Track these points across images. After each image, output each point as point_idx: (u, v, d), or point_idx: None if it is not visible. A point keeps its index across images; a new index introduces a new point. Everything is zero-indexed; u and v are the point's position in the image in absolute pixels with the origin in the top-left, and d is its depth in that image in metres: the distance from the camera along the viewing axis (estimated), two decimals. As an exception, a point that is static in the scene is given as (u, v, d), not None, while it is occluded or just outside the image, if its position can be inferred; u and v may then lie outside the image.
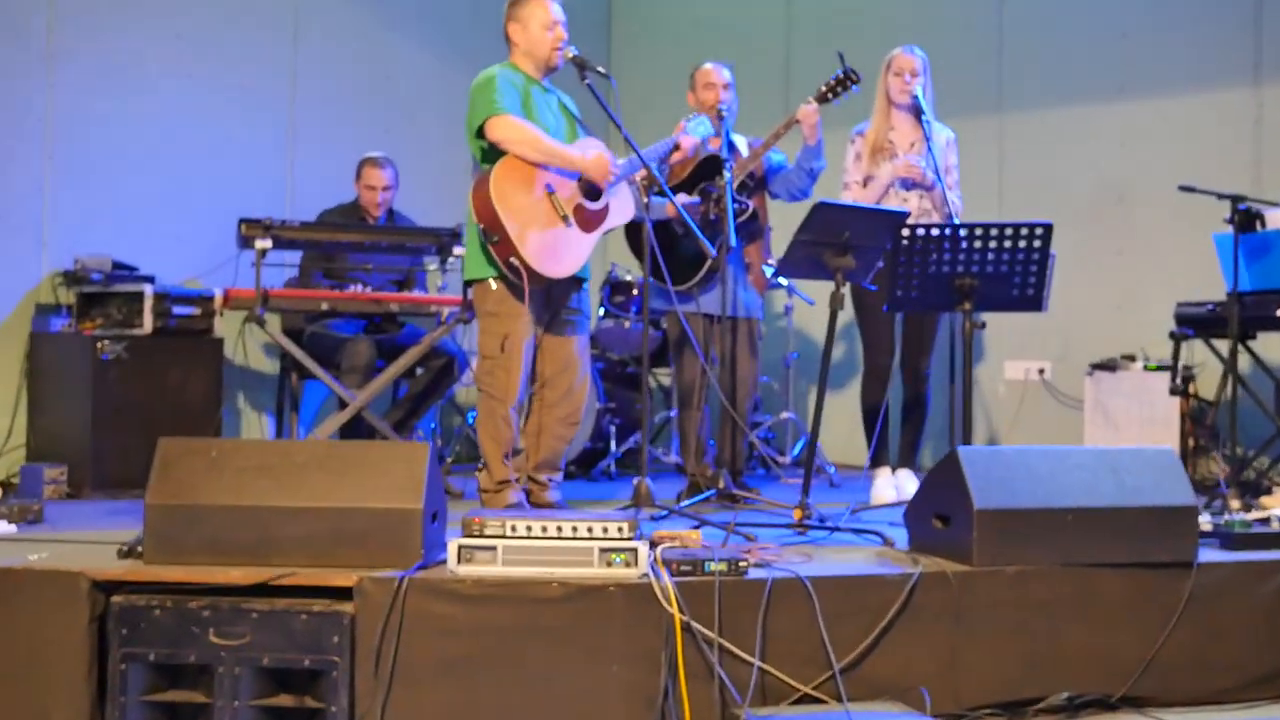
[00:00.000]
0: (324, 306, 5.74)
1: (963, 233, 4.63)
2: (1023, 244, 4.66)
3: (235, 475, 3.63)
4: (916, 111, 5.73)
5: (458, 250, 5.66)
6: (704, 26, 8.51)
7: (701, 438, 5.75)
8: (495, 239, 4.57)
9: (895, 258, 4.68)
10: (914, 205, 5.65)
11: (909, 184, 5.66)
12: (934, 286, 4.73)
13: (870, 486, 5.80)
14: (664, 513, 4.71)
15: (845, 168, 5.78)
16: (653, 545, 3.60)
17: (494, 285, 4.75)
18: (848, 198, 5.71)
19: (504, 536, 3.52)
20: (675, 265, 5.46)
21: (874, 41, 5.37)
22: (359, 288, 5.94)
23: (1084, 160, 7.31)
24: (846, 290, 4.64)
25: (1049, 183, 7.36)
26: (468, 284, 4.90)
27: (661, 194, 4.77)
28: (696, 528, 4.40)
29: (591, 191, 4.79)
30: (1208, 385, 6.81)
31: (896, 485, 5.76)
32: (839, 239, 4.58)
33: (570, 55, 4.85)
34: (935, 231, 4.64)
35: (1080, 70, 7.32)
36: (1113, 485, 3.98)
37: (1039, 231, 4.65)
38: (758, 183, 5.73)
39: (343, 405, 5.85)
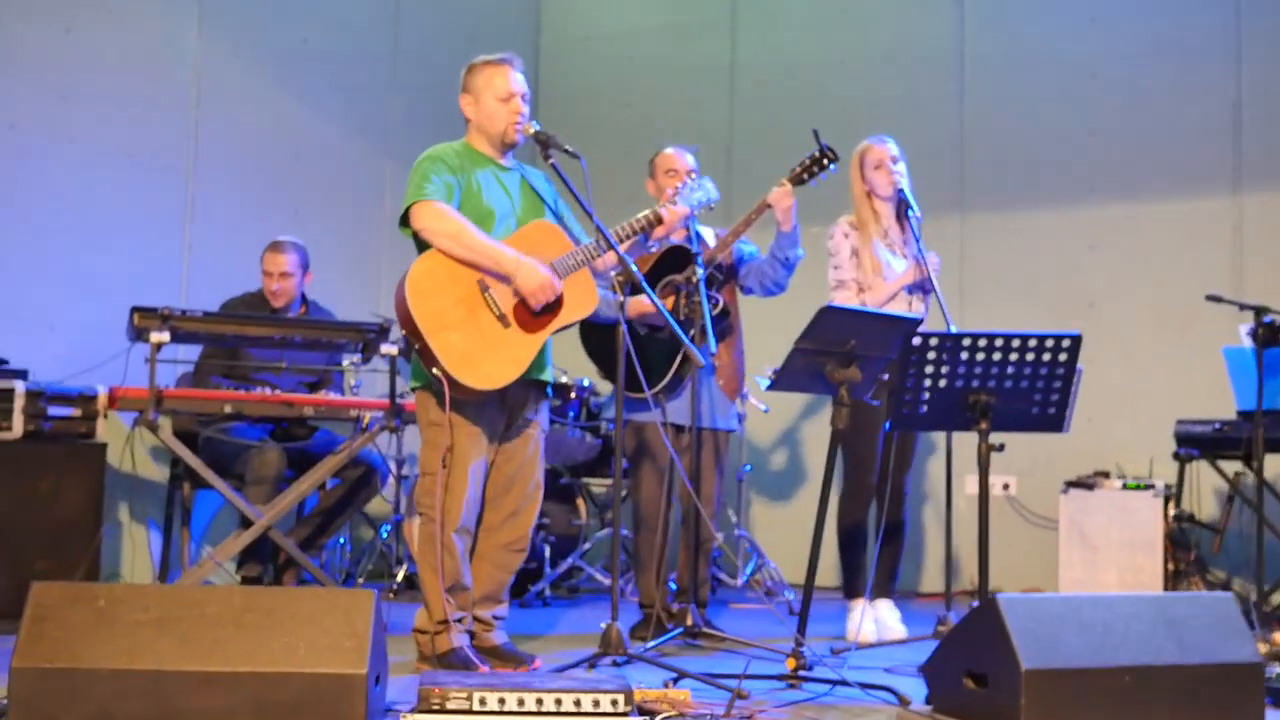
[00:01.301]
0: (227, 409, 4.97)
1: (982, 343, 4.07)
2: (1047, 356, 4.11)
3: (129, 631, 2.96)
4: (899, 206, 5.22)
5: (385, 348, 4.96)
6: (638, 102, 7.95)
7: (664, 564, 5.10)
8: (416, 348, 3.92)
9: (903, 370, 4.10)
10: (919, 311, 5.11)
11: (915, 287, 5.13)
12: (945, 403, 4.16)
13: (845, 619, 5.19)
14: (625, 659, 4.07)
15: (836, 264, 5.21)
16: (643, 713, 3.02)
17: (430, 393, 4.09)
18: (843, 299, 5.16)
19: (472, 712, 2.84)
20: (633, 370, 4.85)
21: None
22: (266, 388, 5.19)
23: (1051, 263, 6.88)
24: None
25: (1014, 286, 6.91)
26: (413, 390, 4.21)
27: (675, 290, 4.12)
28: (674, 680, 3.75)
29: None
30: (1195, 506, 6.36)
31: (876, 619, 5.16)
32: (843, 347, 3.98)
33: (531, 131, 4.22)
34: (950, 342, 4.06)
35: (1048, 168, 6.91)
36: (1171, 639, 3.52)
37: (1066, 344, 4.11)
38: (726, 275, 5.15)
39: (243, 520, 5.09)
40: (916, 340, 4.06)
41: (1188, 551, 6.29)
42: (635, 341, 4.88)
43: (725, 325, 5.07)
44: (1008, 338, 4.08)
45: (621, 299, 4.10)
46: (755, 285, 5.17)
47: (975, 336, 4.07)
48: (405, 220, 4.09)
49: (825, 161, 4.93)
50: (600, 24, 8.25)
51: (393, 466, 6.13)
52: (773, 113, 7.57)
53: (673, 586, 5.25)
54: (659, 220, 4.48)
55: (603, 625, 4.20)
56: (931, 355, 4.08)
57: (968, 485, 6.87)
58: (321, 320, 5.43)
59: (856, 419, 5.18)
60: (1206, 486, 6.29)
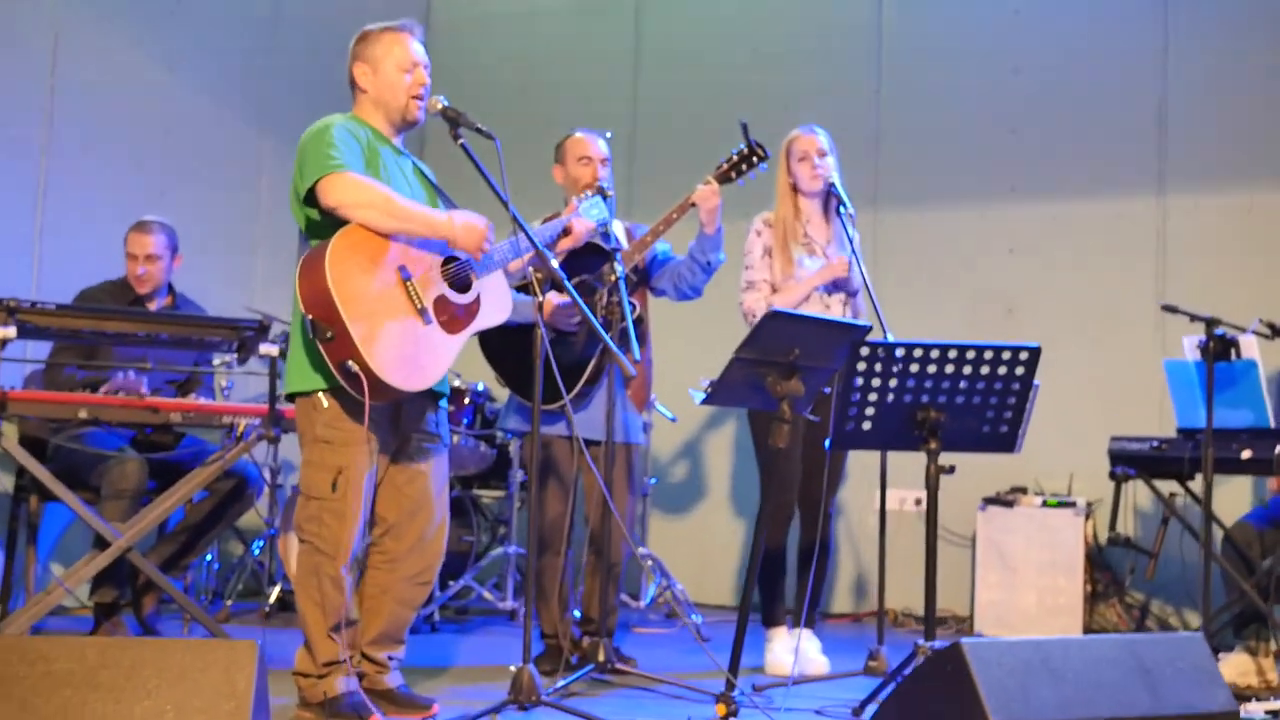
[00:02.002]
0: (83, 414, 4.39)
1: (934, 354, 3.71)
2: (1003, 370, 3.78)
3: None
4: (827, 200, 4.86)
5: (264, 348, 4.43)
6: (535, 86, 7.47)
7: (564, 590, 4.67)
8: (329, 334, 3.40)
9: (848, 382, 3.72)
10: (836, 314, 4.75)
11: (830, 287, 4.77)
12: (891, 420, 3.80)
13: (765, 649, 4.82)
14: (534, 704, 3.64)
15: (748, 264, 4.84)
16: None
17: (325, 402, 3.58)
18: (752, 301, 4.79)
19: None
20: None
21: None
22: (130, 374, 4.63)
23: (969, 265, 6.58)
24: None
25: (928, 290, 6.59)
26: (290, 398, 3.70)
27: (560, 289, 3.66)
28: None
29: (459, 280, 3.67)
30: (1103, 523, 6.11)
31: (796, 649, 4.78)
32: (786, 357, 3.59)
33: (438, 107, 3.75)
34: (902, 351, 3.69)
35: (966, 165, 6.61)
36: (1145, 688, 3.32)
37: (1024, 356, 3.78)
38: (640, 277, 4.74)
39: (98, 539, 4.53)
40: (864, 350, 3.68)
41: (1106, 572, 6.05)
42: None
43: (639, 331, 4.65)
44: (962, 349, 3.74)
45: (540, 299, 3.64)
46: (669, 288, 4.77)
47: (928, 347, 3.71)
48: (310, 198, 3.56)
49: (754, 159, 4.54)
50: (496, 2, 7.76)
51: (267, 476, 5.58)
52: (678, 99, 7.17)
53: (575, 614, 4.83)
54: (567, 232, 4.08)
55: (512, 668, 3.73)
56: (879, 367, 3.72)
57: (877, 500, 6.54)
58: (193, 316, 4.87)
59: (765, 432, 4.83)
60: (1129, 505, 6.05)
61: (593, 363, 4.53)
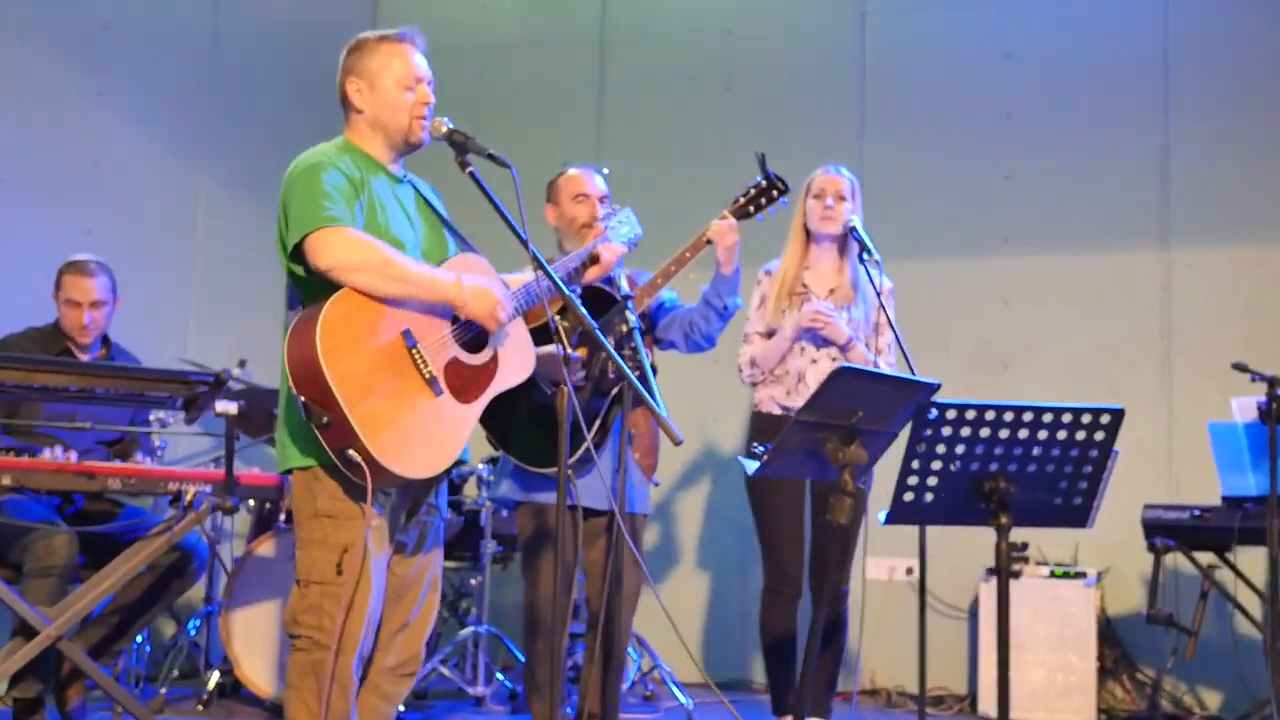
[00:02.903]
0: (5, 480, 3.79)
1: (1008, 416, 3.27)
2: (1081, 435, 3.34)
3: None
4: (842, 247, 4.46)
5: (221, 405, 3.87)
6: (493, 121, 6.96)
7: (560, 680, 4.13)
8: (325, 420, 2.88)
9: (911, 448, 3.26)
10: (825, 368, 4.33)
11: (821, 340, 4.36)
12: (955, 491, 3.34)
13: (774, 742, 4.35)
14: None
15: (747, 315, 4.44)
16: None
17: (321, 473, 3.05)
18: (747, 354, 4.39)
19: None
20: (539, 438, 3.94)
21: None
22: (57, 451, 4.02)
23: (963, 320, 6.19)
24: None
25: (921, 345, 6.16)
26: (286, 474, 3.15)
27: (593, 340, 3.15)
28: None
29: (472, 339, 3.17)
30: (1120, 595, 5.76)
31: (813, 742, 4.33)
32: (849, 420, 3.13)
33: (442, 130, 3.25)
34: (972, 414, 3.25)
35: (957, 216, 6.24)
36: None
37: (1105, 420, 3.34)
38: (646, 326, 4.27)
39: (20, 624, 3.93)
40: (931, 412, 3.23)
41: (1115, 648, 5.66)
42: (539, 403, 3.95)
43: (646, 389, 4.18)
44: (1038, 410, 3.29)
45: (567, 352, 3.13)
46: (679, 338, 4.29)
47: (1000, 409, 3.27)
48: (297, 254, 3.05)
49: (774, 192, 4.10)
50: (452, 37, 7.26)
51: (209, 544, 4.99)
52: (644, 133, 6.74)
53: (568, 711, 4.31)
54: (594, 260, 3.59)
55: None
56: (946, 431, 3.27)
57: (870, 568, 6.11)
58: (139, 369, 4.26)
59: (775, 495, 4.41)
60: (1137, 576, 5.69)
61: (598, 421, 4.04)
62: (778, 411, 4.43)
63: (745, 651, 6.23)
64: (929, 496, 3.35)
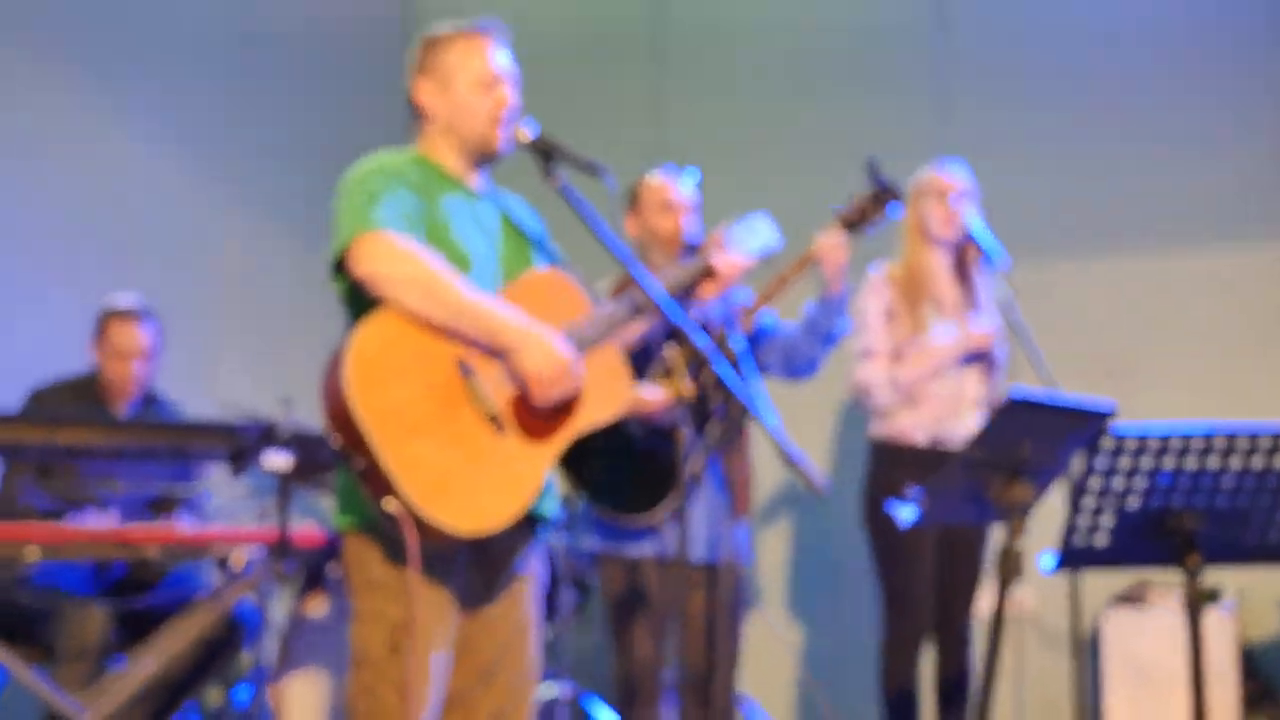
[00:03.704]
0: (34, 556, 3.35)
1: (1197, 443, 2.79)
2: (1280, 460, 2.86)
3: None
4: (960, 255, 4.00)
5: (270, 460, 3.43)
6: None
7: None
8: (359, 465, 2.43)
9: (1083, 482, 2.79)
10: (975, 391, 3.85)
11: (969, 358, 3.89)
12: (1134, 530, 2.87)
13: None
14: None
15: (863, 327, 3.96)
16: None
17: (381, 535, 2.60)
18: (868, 374, 3.94)
19: None
20: (626, 484, 3.57)
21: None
22: (95, 514, 3.59)
23: (1065, 327, 5.65)
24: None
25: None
26: (342, 532, 2.70)
27: (713, 376, 2.68)
28: None
29: None
30: (1258, 620, 5.24)
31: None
32: (1016, 455, 2.66)
33: (526, 137, 2.79)
34: (1156, 443, 2.77)
35: (1054, 213, 5.73)
36: None
37: (1312, 440, 2.86)
38: (741, 351, 3.80)
39: (50, 713, 3.50)
40: (1107, 442, 2.75)
41: (1255, 680, 5.15)
42: (626, 443, 3.50)
43: (740, 426, 3.73)
44: (1231, 436, 2.81)
45: (685, 392, 2.66)
46: (778, 365, 3.82)
47: (1188, 436, 2.79)
48: (340, 263, 2.61)
49: (886, 200, 3.62)
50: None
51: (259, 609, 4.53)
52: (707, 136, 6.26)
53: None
54: (709, 273, 3.13)
55: None
56: (1124, 462, 2.79)
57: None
58: (184, 422, 3.83)
59: (908, 541, 3.94)
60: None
61: (690, 463, 3.57)
62: (923, 442, 3.96)
63: (847, 703, 5.70)
64: (1102, 539, 2.88)
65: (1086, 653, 5.42)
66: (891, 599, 3.99)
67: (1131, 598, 5.11)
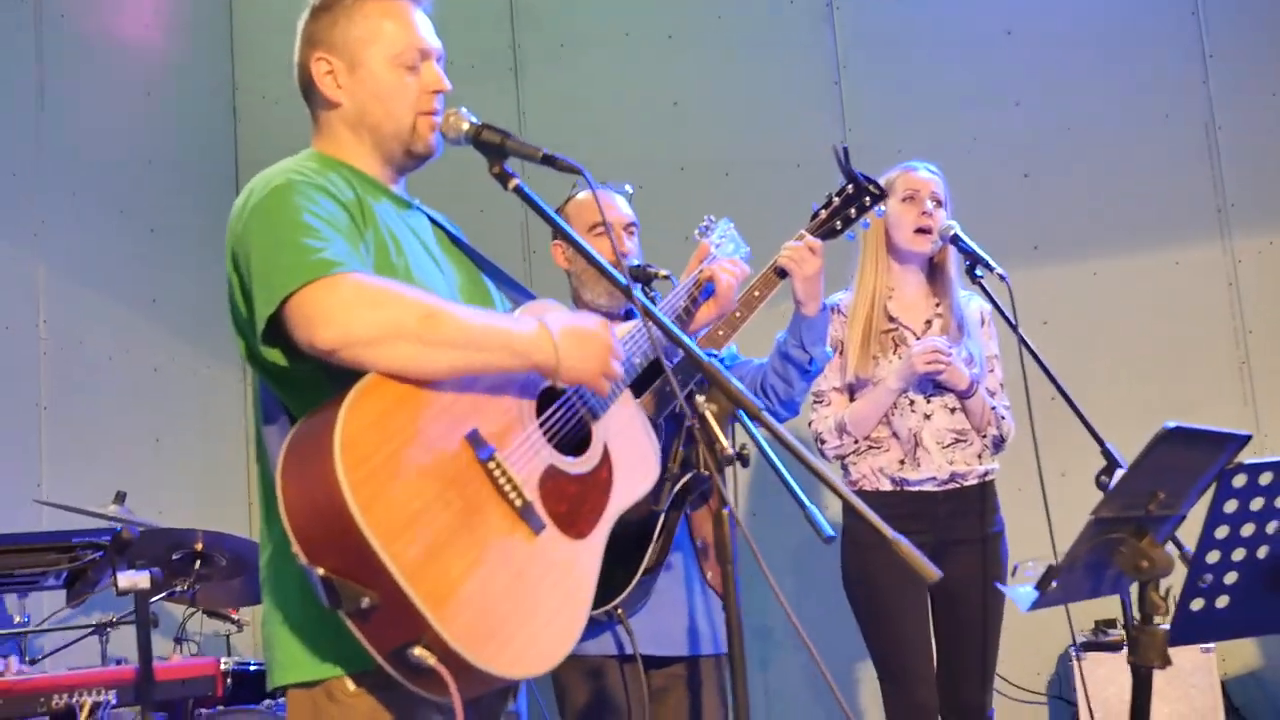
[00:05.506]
0: None
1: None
2: None
3: None
4: (935, 269, 3.45)
5: (126, 578, 2.63)
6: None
7: None
8: (364, 603, 1.70)
9: (1208, 533, 2.21)
10: (942, 425, 3.29)
11: (931, 387, 3.33)
12: (1261, 584, 2.30)
13: None
14: None
15: None
16: None
17: (350, 687, 1.86)
18: (829, 419, 3.36)
19: None
20: None
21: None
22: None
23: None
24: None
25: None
26: (278, 691, 1.95)
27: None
28: None
29: (569, 429, 2.03)
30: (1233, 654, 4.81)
31: None
32: (1147, 506, 2.06)
33: (463, 126, 2.09)
34: (1301, 471, 2.21)
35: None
36: None
37: None
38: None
39: None
40: (1238, 479, 2.17)
41: (1237, 717, 4.72)
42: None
43: (707, 485, 3.06)
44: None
45: (729, 450, 1.97)
46: (747, 407, 3.17)
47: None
48: (270, 330, 1.85)
49: (867, 199, 3.00)
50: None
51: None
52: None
53: None
54: (709, 293, 2.50)
55: None
56: (1257, 504, 2.22)
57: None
58: (22, 538, 2.95)
59: (897, 601, 3.36)
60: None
61: (657, 537, 2.89)
62: (887, 487, 3.38)
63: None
64: (1224, 601, 2.29)
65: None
66: (893, 675, 3.40)
67: (1100, 643, 4.60)
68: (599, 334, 1.99)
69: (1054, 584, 2.00)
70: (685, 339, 2.00)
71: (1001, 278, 3.18)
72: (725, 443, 1.94)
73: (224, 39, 5.93)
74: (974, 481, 3.43)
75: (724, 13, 5.52)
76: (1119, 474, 2.22)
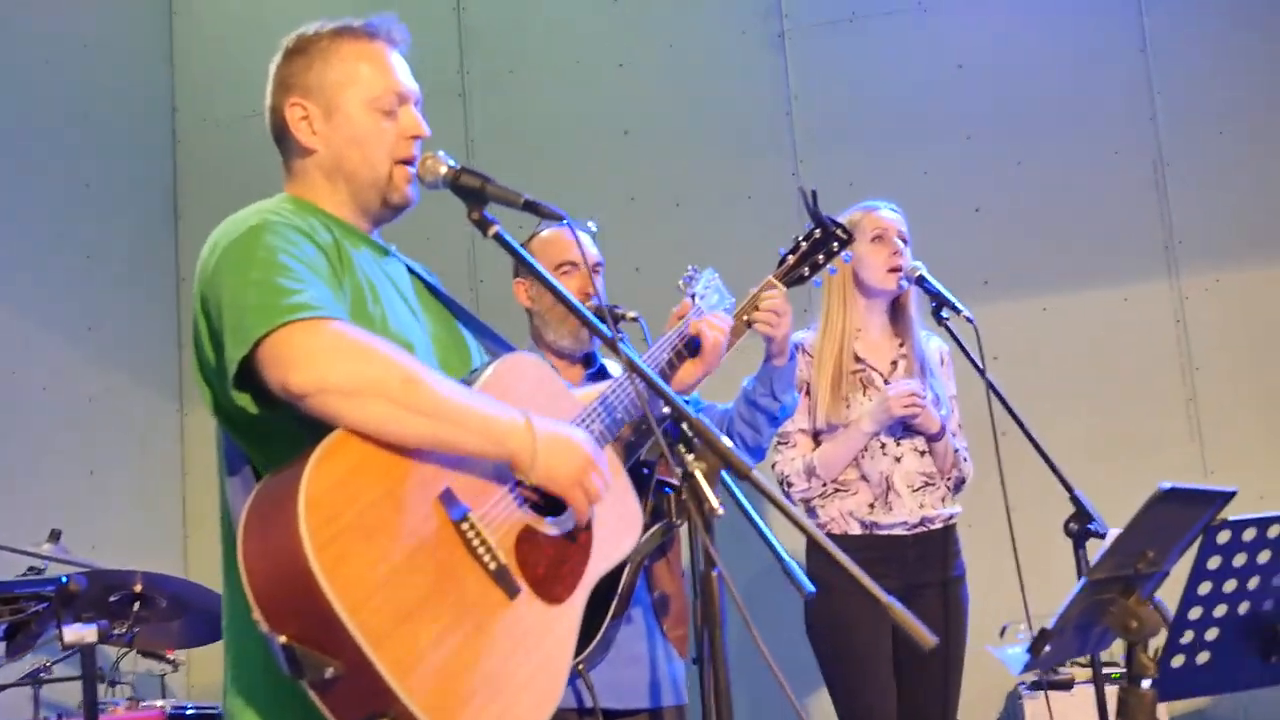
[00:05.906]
0: None
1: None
2: None
3: None
4: (897, 309, 3.42)
5: (73, 632, 2.52)
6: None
7: None
8: (327, 673, 1.61)
9: (1190, 590, 2.19)
10: (912, 468, 3.27)
11: (900, 430, 3.30)
12: (1237, 643, 2.28)
13: None
14: None
15: None
16: None
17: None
18: (797, 461, 3.32)
19: None
20: None
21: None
22: None
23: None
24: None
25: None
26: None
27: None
28: None
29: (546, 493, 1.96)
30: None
31: None
32: (1137, 564, 2.04)
33: (441, 170, 2.02)
34: (1277, 530, 2.19)
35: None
36: None
37: None
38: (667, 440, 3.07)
39: None
40: (1222, 535, 2.15)
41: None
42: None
43: (669, 537, 3.00)
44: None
45: (717, 509, 1.92)
46: (710, 455, 3.11)
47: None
48: (244, 376, 1.77)
49: (834, 244, 2.96)
50: (249, 102, 5.90)
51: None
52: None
53: None
54: (690, 348, 2.45)
55: None
56: (1239, 560, 2.20)
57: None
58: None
59: (858, 645, 3.32)
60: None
61: (622, 585, 2.82)
62: (857, 530, 3.34)
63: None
64: (1204, 656, 2.27)
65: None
66: (849, 714, 3.35)
67: (1054, 682, 4.58)
68: (577, 446, 1.92)
69: (1048, 648, 1.96)
70: (672, 394, 1.94)
71: (969, 320, 3.16)
72: (715, 502, 1.88)
73: (164, 60, 5.80)
74: (939, 525, 3.41)
75: (675, 42, 5.48)
76: (1112, 534, 2.19)
